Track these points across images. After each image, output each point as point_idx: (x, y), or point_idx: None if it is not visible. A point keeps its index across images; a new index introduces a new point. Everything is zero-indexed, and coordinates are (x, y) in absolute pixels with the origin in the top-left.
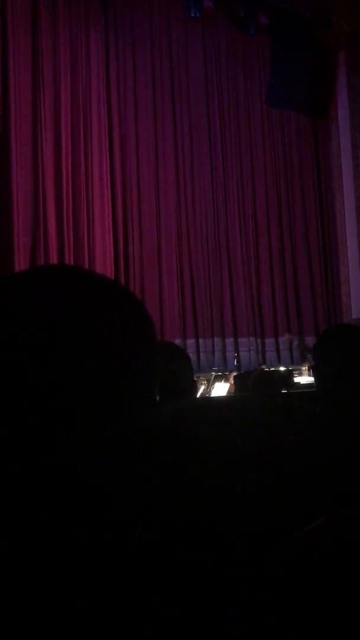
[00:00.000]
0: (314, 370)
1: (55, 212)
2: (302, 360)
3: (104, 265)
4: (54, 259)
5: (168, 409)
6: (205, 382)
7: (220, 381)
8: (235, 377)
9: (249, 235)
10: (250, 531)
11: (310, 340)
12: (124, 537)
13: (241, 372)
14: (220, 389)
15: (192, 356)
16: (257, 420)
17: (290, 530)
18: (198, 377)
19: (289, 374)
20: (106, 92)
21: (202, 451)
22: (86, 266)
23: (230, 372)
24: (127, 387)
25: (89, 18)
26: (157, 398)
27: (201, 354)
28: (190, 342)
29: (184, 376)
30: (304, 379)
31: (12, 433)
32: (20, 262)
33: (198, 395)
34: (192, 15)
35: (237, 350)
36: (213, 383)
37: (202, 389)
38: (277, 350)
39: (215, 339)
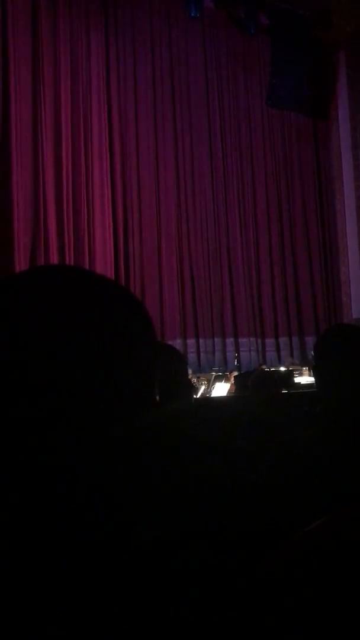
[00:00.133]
0: (314, 371)
1: (55, 212)
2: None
3: (104, 265)
4: (54, 259)
5: (168, 409)
6: (206, 382)
7: (221, 381)
8: (235, 377)
9: (249, 235)
10: (250, 531)
11: (310, 341)
12: (124, 537)
13: (241, 372)
14: (221, 389)
15: (193, 356)
16: (257, 420)
17: (291, 530)
18: (198, 377)
19: (289, 374)
20: (106, 92)
21: (202, 451)
22: (86, 266)
23: (231, 372)
24: (127, 387)
25: (89, 18)
26: (157, 398)
27: (201, 354)
28: (191, 342)
29: (182, 378)
30: (304, 379)
31: (12, 433)
32: (20, 262)
33: (198, 395)
34: (192, 15)
35: (237, 350)
36: (213, 383)
37: (202, 389)
38: (277, 350)
39: (216, 339)
